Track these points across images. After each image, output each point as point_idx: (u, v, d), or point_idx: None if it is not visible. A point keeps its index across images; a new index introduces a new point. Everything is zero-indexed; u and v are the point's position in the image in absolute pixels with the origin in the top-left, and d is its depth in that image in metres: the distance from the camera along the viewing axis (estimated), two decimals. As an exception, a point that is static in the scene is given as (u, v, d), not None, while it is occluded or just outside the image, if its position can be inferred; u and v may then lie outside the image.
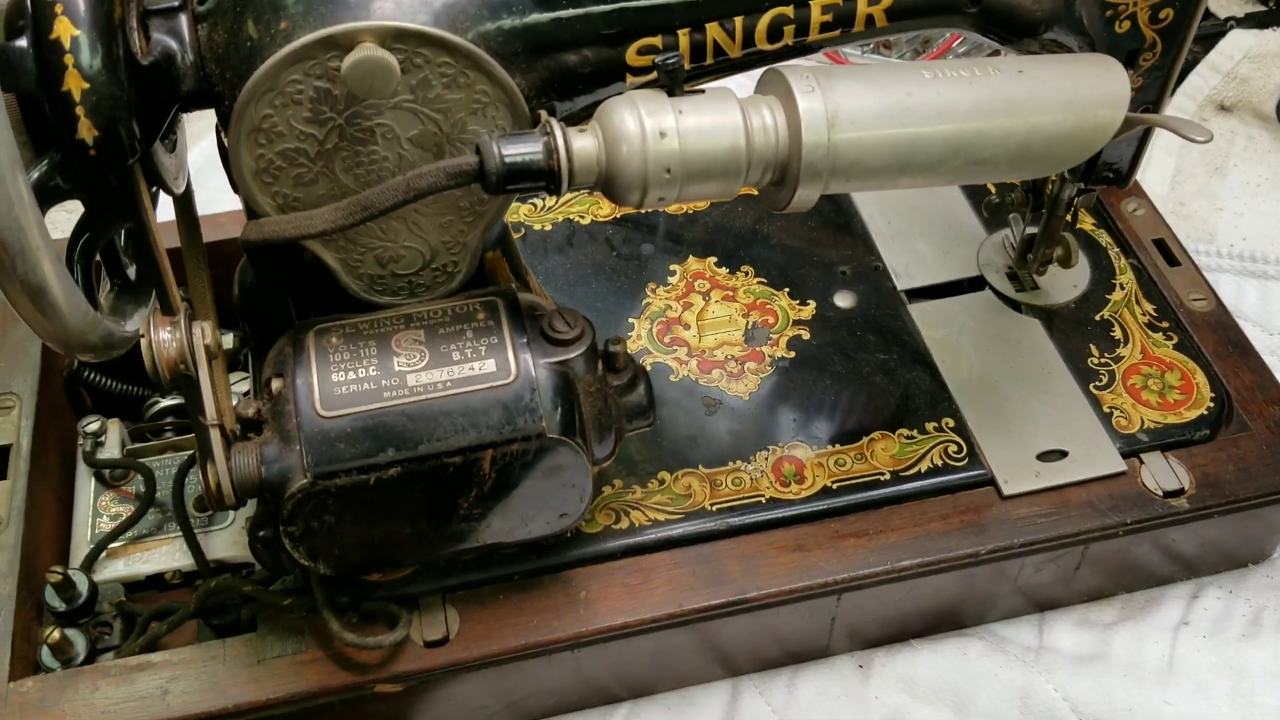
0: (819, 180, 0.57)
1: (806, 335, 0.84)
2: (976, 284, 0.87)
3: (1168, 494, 0.75)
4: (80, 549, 0.78)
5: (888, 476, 0.76)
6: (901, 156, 0.57)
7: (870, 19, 0.62)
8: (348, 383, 0.60)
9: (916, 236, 0.90)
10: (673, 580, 0.72)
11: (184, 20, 0.56)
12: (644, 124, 0.55)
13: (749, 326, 0.84)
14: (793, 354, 0.83)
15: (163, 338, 0.57)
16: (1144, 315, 0.85)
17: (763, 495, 0.75)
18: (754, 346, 0.83)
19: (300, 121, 0.55)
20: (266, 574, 0.72)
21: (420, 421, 0.59)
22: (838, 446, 0.78)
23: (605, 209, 0.93)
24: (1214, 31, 1.13)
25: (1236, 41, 1.12)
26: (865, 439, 0.78)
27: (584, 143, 0.55)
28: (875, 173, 0.58)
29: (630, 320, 0.85)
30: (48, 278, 0.49)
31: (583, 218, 0.92)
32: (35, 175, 0.52)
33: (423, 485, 0.60)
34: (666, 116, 0.55)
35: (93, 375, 0.86)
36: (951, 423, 0.78)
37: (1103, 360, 0.82)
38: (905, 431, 0.78)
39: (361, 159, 0.57)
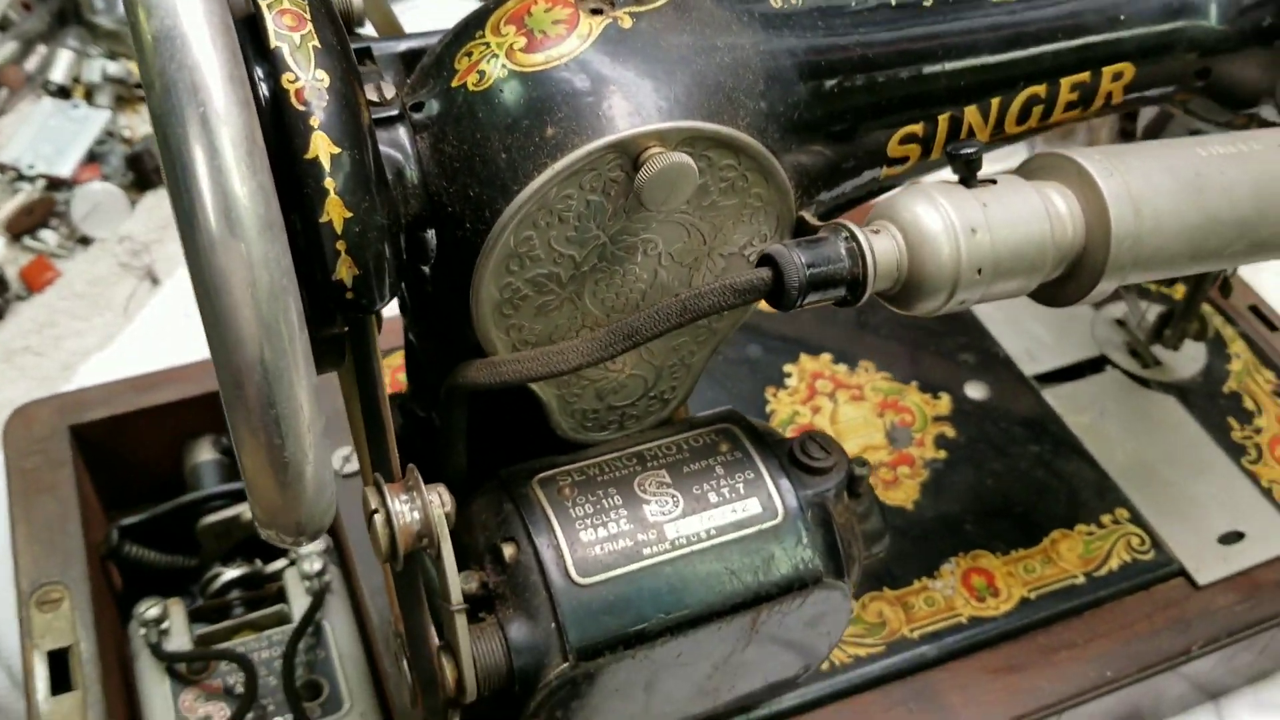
0: (1121, 273, 0.52)
1: (952, 432, 0.78)
2: (1096, 364, 0.84)
3: (1352, 565, 0.73)
4: (174, 764, 0.65)
5: (1082, 580, 0.71)
6: (1195, 243, 0.53)
7: (1109, 95, 0.58)
8: (599, 541, 0.51)
9: (1027, 319, 0.86)
10: (897, 723, 0.64)
11: (403, 132, 0.46)
12: (951, 220, 0.48)
13: (889, 428, 0.78)
14: (944, 454, 0.77)
15: (399, 509, 0.46)
16: (1267, 384, 0.83)
17: (961, 615, 0.69)
18: (900, 449, 0.77)
19: (562, 242, 0.46)
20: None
21: (688, 579, 0.51)
22: (1021, 550, 0.72)
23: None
24: None
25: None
26: (1046, 539, 0.73)
27: (884, 244, 0.48)
28: (1170, 261, 0.53)
29: (757, 430, 0.78)
30: (308, 460, 0.39)
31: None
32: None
33: (679, 655, 0.52)
34: (973, 210, 0.49)
35: (133, 550, 0.73)
36: (1126, 514, 0.74)
37: (1245, 433, 0.79)
38: (1084, 528, 0.73)
39: (615, 280, 0.49)
